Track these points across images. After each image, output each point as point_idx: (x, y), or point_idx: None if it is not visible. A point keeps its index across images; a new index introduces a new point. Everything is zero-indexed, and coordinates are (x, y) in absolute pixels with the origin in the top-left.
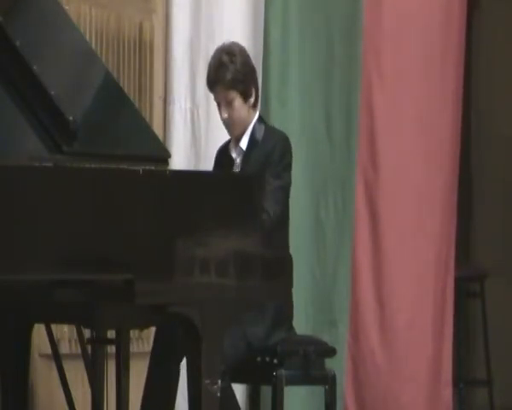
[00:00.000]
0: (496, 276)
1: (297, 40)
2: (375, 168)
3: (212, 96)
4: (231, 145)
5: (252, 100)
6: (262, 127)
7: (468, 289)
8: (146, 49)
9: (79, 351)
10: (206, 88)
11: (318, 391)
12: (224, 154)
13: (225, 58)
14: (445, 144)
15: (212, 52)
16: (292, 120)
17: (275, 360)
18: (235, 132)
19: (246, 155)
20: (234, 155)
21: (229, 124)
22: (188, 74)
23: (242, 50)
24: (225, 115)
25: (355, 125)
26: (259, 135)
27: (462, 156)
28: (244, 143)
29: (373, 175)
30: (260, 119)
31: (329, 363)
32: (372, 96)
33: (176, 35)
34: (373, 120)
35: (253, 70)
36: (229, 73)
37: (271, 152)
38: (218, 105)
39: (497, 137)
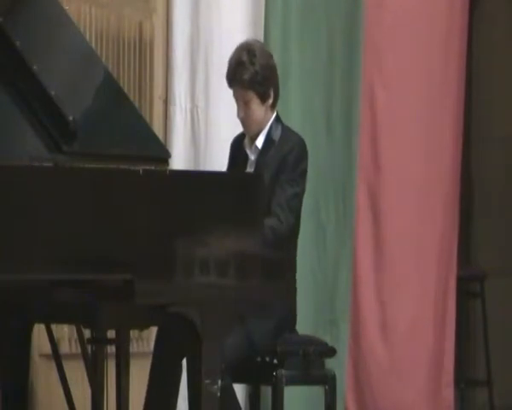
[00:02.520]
0: (496, 276)
1: (297, 40)
2: (377, 168)
3: (211, 96)
4: (246, 142)
5: (270, 101)
6: (279, 127)
7: (468, 289)
8: (146, 49)
9: (79, 351)
10: (207, 88)
11: (318, 391)
12: (238, 148)
13: (245, 57)
14: (447, 144)
15: (211, 51)
16: (292, 120)
17: (275, 360)
18: (250, 131)
19: (261, 154)
20: (249, 152)
21: (245, 123)
22: (188, 74)
23: (264, 50)
24: (242, 114)
25: (356, 125)
26: (276, 135)
27: (462, 156)
28: (260, 142)
29: (375, 175)
30: (278, 118)
31: (330, 363)
32: (374, 97)
33: (176, 35)
34: (375, 120)
35: (273, 71)
36: (248, 74)
37: (287, 155)
38: (237, 102)
39: (497, 137)
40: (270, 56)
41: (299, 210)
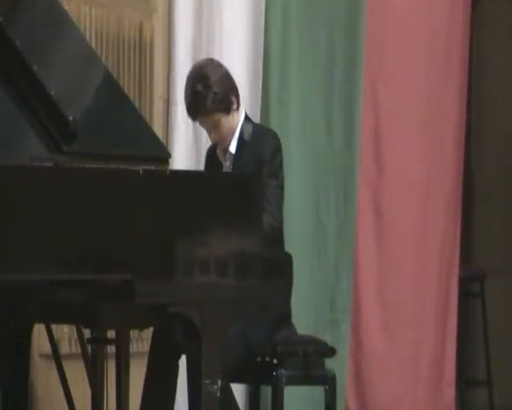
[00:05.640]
0: (496, 276)
1: (297, 40)
2: (379, 168)
3: None
4: (219, 152)
5: (234, 106)
6: (250, 126)
7: (468, 289)
8: (146, 49)
9: (79, 351)
10: None
11: (318, 391)
12: (213, 156)
13: (199, 87)
14: (449, 144)
15: (212, 52)
16: (292, 120)
17: (275, 360)
18: (226, 143)
19: (236, 157)
20: (223, 160)
21: (219, 141)
22: None
23: (213, 65)
24: (215, 138)
25: (357, 124)
26: (248, 135)
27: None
28: (233, 147)
29: (376, 175)
30: (247, 118)
31: (331, 362)
32: (375, 96)
33: (178, 35)
34: (376, 120)
35: (228, 79)
36: (209, 101)
37: (262, 151)
38: (206, 130)
39: (498, 136)
40: (220, 66)
41: (282, 202)
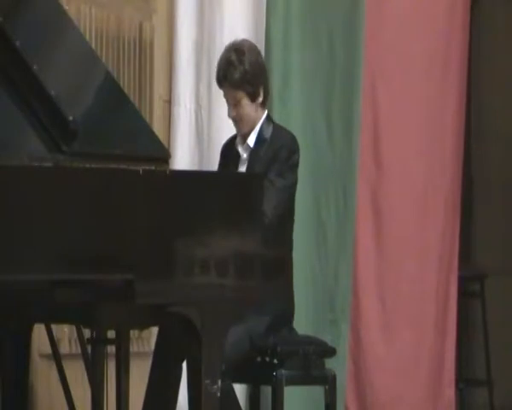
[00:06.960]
0: (496, 276)
1: (298, 40)
2: (378, 167)
3: (214, 97)
4: (238, 141)
5: (260, 99)
6: (270, 126)
7: (468, 289)
8: (146, 49)
9: (79, 351)
10: (209, 88)
11: (318, 391)
12: (230, 148)
13: (234, 57)
14: (449, 143)
15: (214, 52)
16: (293, 120)
17: (275, 360)
18: (242, 130)
19: (253, 152)
20: (240, 150)
21: (236, 122)
22: (192, 75)
23: (252, 49)
24: (233, 114)
25: (356, 124)
26: (267, 134)
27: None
28: (252, 141)
29: (375, 174)
30: (268, 117)
31: (331, 362)
32: (375, 96)
33: (180, 36)
34: (376, 120)
35: (262, 69)
36: (237, 73)
37: (279, 151)
38: (227, 102)
39: (498, 136)
40: (259, 54)
41: (288, 202)
